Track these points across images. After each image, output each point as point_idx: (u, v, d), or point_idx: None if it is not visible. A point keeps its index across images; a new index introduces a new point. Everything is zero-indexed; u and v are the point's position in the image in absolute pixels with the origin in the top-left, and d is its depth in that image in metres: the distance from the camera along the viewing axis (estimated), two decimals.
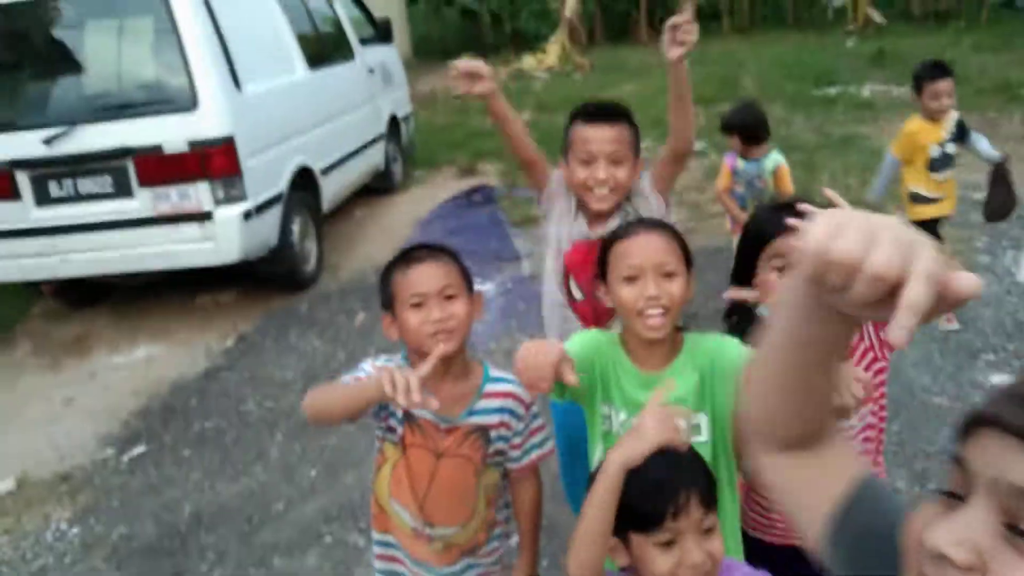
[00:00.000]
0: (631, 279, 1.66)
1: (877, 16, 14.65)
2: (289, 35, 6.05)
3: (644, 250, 1.67)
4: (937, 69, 4.10)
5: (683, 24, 2.08)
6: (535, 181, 2.43)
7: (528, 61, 14.88)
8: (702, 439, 1.68)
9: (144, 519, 3.49)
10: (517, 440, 1.85)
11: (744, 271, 1.80)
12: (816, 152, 7.51)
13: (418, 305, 1.71)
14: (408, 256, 1.79)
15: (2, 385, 4.86)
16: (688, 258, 1.72)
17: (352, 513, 3.32)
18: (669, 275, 1.67)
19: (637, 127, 2.25)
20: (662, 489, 1.32)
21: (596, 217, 2.27)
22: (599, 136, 2.17)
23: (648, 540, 1.32)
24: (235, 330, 5.19)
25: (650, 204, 2.29)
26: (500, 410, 1.81)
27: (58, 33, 5.21)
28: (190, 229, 4.87)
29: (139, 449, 4.02)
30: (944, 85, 4.04)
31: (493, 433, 1.81)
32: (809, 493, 0.87)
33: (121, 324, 5.48)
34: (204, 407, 4.33)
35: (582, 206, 2.30)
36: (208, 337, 5.14)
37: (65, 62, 5.18)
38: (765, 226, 1.76)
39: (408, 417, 1.79)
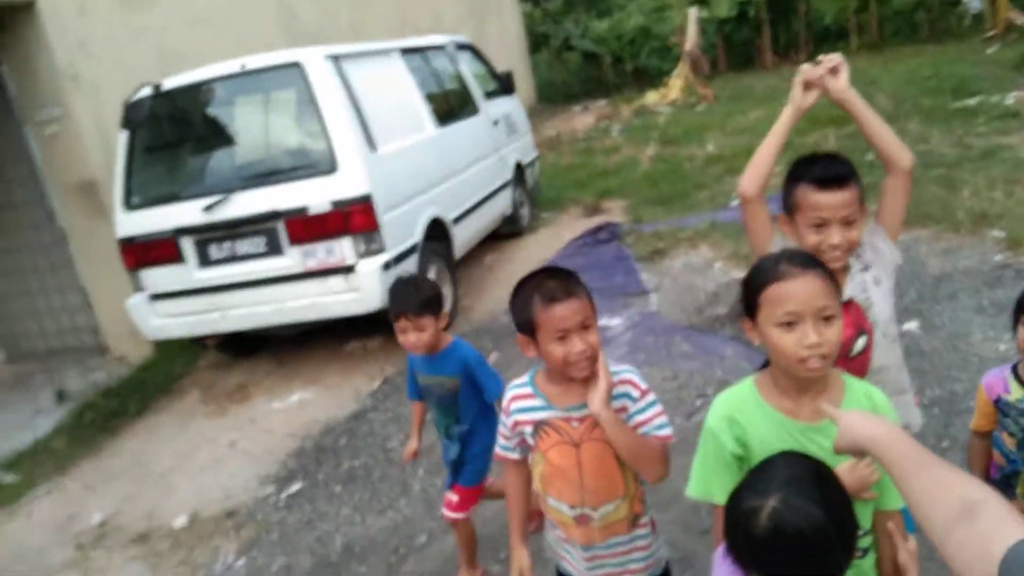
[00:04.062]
0: (788, 325, 1.59)
1: (1020, 19, 13.81)
2: (418, 96, 6.43)
3: (803, 295, 1.58)
4: None
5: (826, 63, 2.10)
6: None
7: (651, 96, 14.91)
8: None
9: (301, 552, 3.77)
10: (639, 417, 1.97)
11: None
12: (956, 167, 7.19)
13: (562, 339, 1.89)
14: (547, 291, 1.90)
15: (175, 431, 5.36)
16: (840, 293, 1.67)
17: (492, 544, 3.44)
18: (828, 319, 1.59)
19: (859, 178, 2.09)
20: None
21: None
22: (833, 202, 2.01)
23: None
24: (381, 373, 5.51)
25: (881, 253, 2.16)
26: (617, 396, 1.97)
27: (212, 111, 5.78)
28: (336, 282, 5.25)
29: (296, 487, 4.34)
30: None
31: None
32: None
33: (278, 372, 5.94)
34: (353, 446, 4.62)
35: None
36: (356, 381, 5.48)
37: (219, 137, 5.75)
38: None
39: (537, 426, 2.02)
